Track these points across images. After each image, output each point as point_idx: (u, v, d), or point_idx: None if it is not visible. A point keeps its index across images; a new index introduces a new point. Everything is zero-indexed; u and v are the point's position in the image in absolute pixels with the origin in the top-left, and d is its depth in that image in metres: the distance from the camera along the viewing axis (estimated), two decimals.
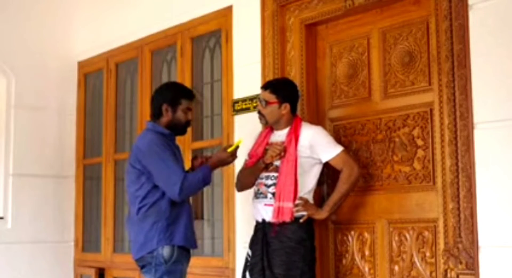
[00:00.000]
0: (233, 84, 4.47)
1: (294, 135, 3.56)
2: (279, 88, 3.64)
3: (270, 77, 4.14)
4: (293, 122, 3.63)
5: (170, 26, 5.07)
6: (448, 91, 3.30)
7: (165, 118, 3.53)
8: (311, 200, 3.59)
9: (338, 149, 3.56)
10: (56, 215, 5.84)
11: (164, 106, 3.52)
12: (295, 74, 4.06)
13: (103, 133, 5.77)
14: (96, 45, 5.84)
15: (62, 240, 5.87)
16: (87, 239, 5.92)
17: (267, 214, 3.55)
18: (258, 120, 4.18)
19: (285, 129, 3.64)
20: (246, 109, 4.30)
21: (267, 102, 3.61)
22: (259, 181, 3.62)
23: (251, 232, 3.95)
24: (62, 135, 5.95)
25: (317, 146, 3.55)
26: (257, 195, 3.63)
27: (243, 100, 4.33)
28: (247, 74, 4.35)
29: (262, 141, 3.70)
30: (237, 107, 4.38)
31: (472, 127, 3.19)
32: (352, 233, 3.81)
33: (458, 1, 3.27)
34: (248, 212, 4.08)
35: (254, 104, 4.23)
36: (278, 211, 3.48)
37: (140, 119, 5.36)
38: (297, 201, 3.48)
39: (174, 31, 5.04)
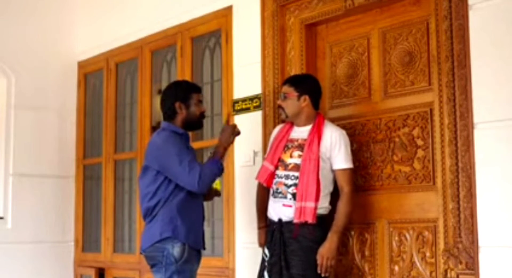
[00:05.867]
0: (233, 84, 4.47)
1: (317, 134, 3.54)
2: (297, 81, 3.65)
3: (270, 77, 4.14)
4: (316, 119, 3.62)
5: (170, 26, 5.07)
6: (448, 91, 3.30)
7: (180, 116, 3.61)
8: (328, 202, 3.55)
9: (350, 164, 3.56)
10: (56, 215, 5.84)
11: (177, 105, 3.60)
12: (295, 74, 4.06)
13: (103, 133, 5.77)
14: (96, 45, 5.85)
15: (62, 240, 5.87)
16: (87, 239, 5.92)
17: (284, 214, 3.53)
18: (258, 120, 4.20)
19: (306, 125, 3.62)
20: (246, 109, 4.30)
21: (286, 95, 3.62)
22: (278, 179, 3.60)
23: (251, 232, 3.96)
24: (62, 135, 5.94)
25: (335, 150, 3.52)
26: (275, 195, 3.60)
27: (243, 100, 4.33)
28: (247, 74, 4.35)
29: (284, 137, 3.67)
30: (237, 107, 4.38)
31: (472, 127, 3.19)
32: (352, 233, 3.80)
33: (458, 1, 3.27)
34: (248, 212, 4.09)
35: (254, 104, 4.24)
36: (300, 211, 3.45)
37: (140, 119, 5.36)
38: (319, 268, 3.45)
39: (174, 31, 5.04)
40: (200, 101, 3.67)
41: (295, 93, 3.60)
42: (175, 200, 3.49)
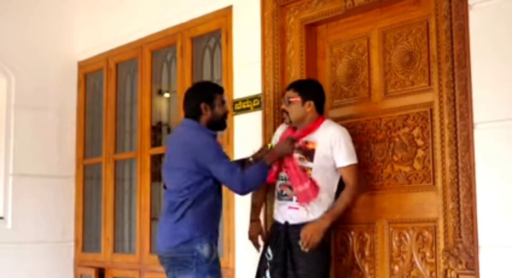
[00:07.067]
0: (233, 84, 4.46)
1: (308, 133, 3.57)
2: (302, 86, 3.64)
3: (270, 77, 4.14)
4: (316, 120, 3.62)
5: (170, 26, 5.07)
6: (448, 91, 3.30)
7: (205, 116, 3.60)
8: (331, 201, 3.55)
9: (354, 160, 3.54)
10: (56, 215, 5.84)
11: (203, 105, 3.59)
12: (295, 74, 4.06)
13: (103, 133, 5.77)
14: (96, 45, 5.85)
15: (62, 240, 5.87)
16: (87, 239, 5.92)
17: (291, 217, 3.54)
18: (258, 120, 4.20)
19: None
20: (246, 109, 4.30)
21: (290, 100, 3.61)
22: (281, 182, 3.61)
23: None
24: (62, 135, 5.94)
25: (335, 149, 3.51)
26: (281, 197, 3.62)
27: (243, 100, 4.33)
28: (247, 74, 4.35)
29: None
30: (237, 107, 4.38)
31: (472, 127, 3.19)
32: (352, 233, 3.81)
33: (458, 1, 3.27)
34: (248, 212, 4.08)
35: (254, 104, 4.24)
36: (304, 194, 3.48)
37: (140, 119, 5.36)
38: (301, 241, 3.45)
39: (174, 31, 5.04)
40: (223, 102, 3.67)
41: (300, 99, 3.59)
42: (206, 201, 3.48)
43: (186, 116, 3.66)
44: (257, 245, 3.80)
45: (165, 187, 3.65)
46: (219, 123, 3.66)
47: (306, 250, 3.43)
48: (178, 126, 3.74)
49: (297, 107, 3.60)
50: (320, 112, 3.65)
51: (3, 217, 5.59)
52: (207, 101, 3.60)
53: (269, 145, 3.74)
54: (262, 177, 3.53)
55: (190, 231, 3.44)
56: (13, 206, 5.60)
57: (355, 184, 3.53)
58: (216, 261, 3.48)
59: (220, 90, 3.71)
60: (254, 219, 3.82)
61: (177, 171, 3.52)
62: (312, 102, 3.59)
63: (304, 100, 3.59)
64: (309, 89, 3.64)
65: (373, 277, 3.70)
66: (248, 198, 4.02)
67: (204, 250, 3.42)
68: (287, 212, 3.55)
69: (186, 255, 3.43)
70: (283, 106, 3.68)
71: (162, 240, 3.55)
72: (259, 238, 3.82)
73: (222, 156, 3.50)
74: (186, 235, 3.44)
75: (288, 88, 3.69)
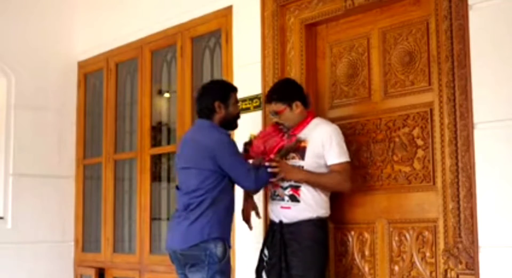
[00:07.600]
0: None
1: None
2: (281, 94, 3.61)
3: (270, 77, 4.14)
4: (306, 117, 3.62)
5: (170, 26, 5.07)
6: (448, 91, 3.30)
7: (219, 115, 3.57)
8: (328, 206, 3.57)
9: (345, 158, 3.53)
10: (56, 215, 5.84)
11: (217, 104, 3.56)
12: (295, 74, 4.06)
13: (103, 133, 5.77)
14: (96, 45, 5.85)
15: (62, 240, 5.87)
16: (87, 239, 5.92)
17: (284, 216, 3.54)
18: (258, 120, 4.20)
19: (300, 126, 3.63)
20: (246, 109, 4.30)
21: (278, 112, 3.59)
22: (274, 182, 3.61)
23: (251, 232, 3.95)
24: (62, 135, 5.95)
25: (326, 146, 3.51)
26: (273, 197, 3.62)
27: (243, 100, 4.33)
28: (247, 74, 4.35)
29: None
30: None
31: (472, 127, 3.19)
32: (352, 233, 3.81)
33: (458, 1, 3.27)
34: None
35: (254, 104, 4.24)
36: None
37: (140, 119, 5.36)
38: (274, 158, 3.47)
39: (174, 31, 5.05)
40: (237, 101, 3.66)
41: (287, 106, 3.58)
42: (222, 202, 3.48)
43: (199, 115, 3.63)
44: (250, 225, 3.74)
45: (177, 188, 3.64)
46: (232, 123, 3.64)
47: (273, 164, 3.45)
48: (192, 127, 3.73)
49: (288, 115, 3.59)
50: (306, 106, 3.64)
51: (3, 217, 5.59)
52: (221, 100, 3.56)
53: (251, 135, 3.74)
54: (271, 175, 3.50)
55: (206, 231, 3.43)
56: (13, 206, 5.60)
57: (346, 179, 3.51)
58: (228, 262, 3.47)
59: (234, 89, 3.68)
60: (246, 197, 3.79)
61: (190, 171, 3.50)
62: (298, 102, 3.59)
63: (290, 105, 3.58)
64: (289, 92, 3.62)
65: (373, 277, 3.70)
66: None
67: (218, 250, 3.41)
68: (281, 212, 3.56)
69: (200, 253, 3.42)
70: (275, 119, 3.65)
71: (177, 240, 3.52)
72: (253, 214, 3.77)
73: (237, 155, 3.49)
74: (202, 236, 3.42)
75: (269, 101, 3.64)
